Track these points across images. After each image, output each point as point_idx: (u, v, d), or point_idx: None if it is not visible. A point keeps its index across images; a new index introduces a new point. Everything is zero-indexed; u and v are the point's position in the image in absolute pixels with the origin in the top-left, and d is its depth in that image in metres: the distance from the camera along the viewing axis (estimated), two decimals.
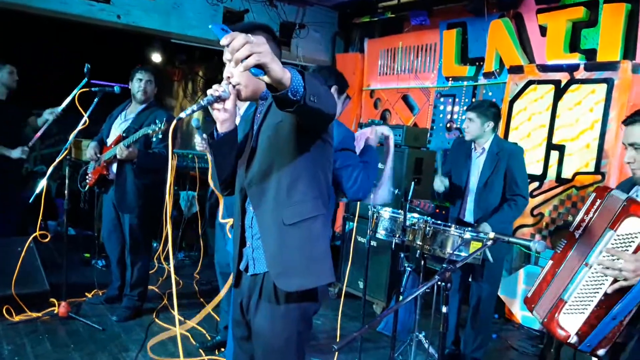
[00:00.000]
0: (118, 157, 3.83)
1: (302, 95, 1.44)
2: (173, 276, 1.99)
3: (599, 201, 1.95)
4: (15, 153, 4.45)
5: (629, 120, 1.96)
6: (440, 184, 3.73)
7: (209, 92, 1.77)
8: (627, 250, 1.72)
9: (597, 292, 1.75)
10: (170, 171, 1.91)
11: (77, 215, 5.94)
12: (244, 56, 1.32)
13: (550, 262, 2.06)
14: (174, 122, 1.68)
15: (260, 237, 1.86)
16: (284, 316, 1.83)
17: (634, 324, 1.77)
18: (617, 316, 1.72)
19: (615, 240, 1.76)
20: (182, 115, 1.63)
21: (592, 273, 1.79)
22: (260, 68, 1.37)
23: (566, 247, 2.01)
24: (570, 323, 1.80)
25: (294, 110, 1.47)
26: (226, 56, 1.77)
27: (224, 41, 1.34)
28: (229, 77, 1.80)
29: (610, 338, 1.77)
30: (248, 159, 1.87)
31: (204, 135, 2.33)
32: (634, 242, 1.71)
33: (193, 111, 1.67)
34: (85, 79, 3.78)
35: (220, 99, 1.76)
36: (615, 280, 1.72)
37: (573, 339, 1.77)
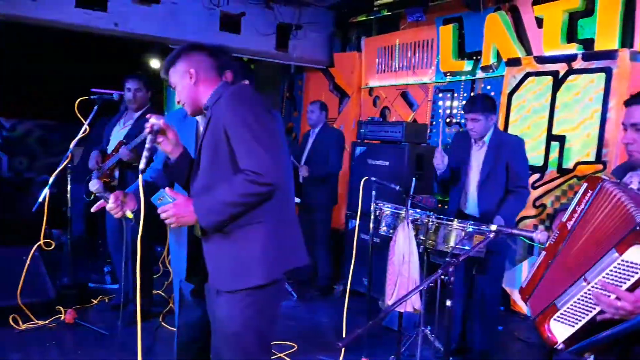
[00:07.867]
0: (123, 159, 3.84)
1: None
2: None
3: (590, 192, 1.85)
4: None
5: (631, 101, 1.94)
6: (440, 158, 3.53)
7: (145, 130, 1.84)
8: (628, 280, 1.59)
9: (590, 312, 1.69)
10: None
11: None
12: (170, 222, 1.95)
13: (544, 252, 1.99)
14: (140, 177, 1.83)
15: (202, 241, 2.02)
16: (240, 301, 1.94)
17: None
18: (605, 338, 1.67)
19: (617, 266, 1.63)
20: (141, 166, 1.81)
21: (588, 291, 1.70)
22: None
23: (558, 239, 1.92)
24: (559, 331, 1.78)
25: None
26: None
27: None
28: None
29: (598, 347, 1.74)
30: (192, 173, 2.00)
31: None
32: (635, 274, 1.58)
33: (146, 157, 1.81)
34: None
35: (159, 132, 1.84)
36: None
37: (560, 346, 1.77)
